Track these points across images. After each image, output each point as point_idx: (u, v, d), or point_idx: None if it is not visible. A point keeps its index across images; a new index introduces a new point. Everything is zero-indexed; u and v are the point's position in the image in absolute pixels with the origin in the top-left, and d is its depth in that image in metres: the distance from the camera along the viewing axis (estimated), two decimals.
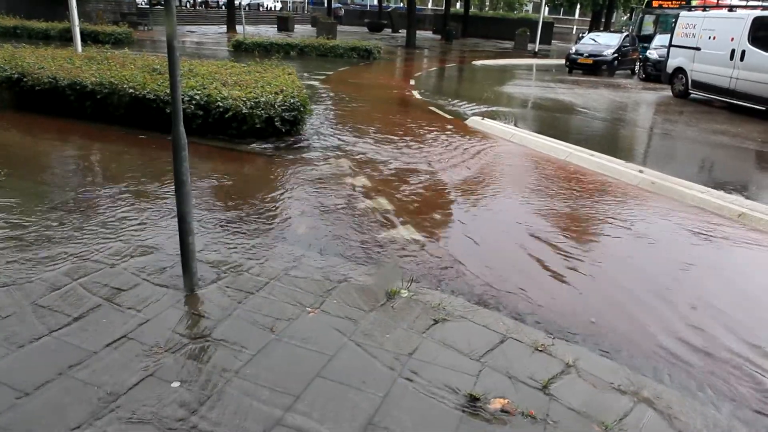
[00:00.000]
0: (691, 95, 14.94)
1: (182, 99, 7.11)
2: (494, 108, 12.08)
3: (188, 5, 45.56)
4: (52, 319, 3.05)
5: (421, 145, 8.10)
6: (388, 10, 48.09)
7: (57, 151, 7.04)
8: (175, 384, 2.61)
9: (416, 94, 13.60)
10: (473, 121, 10.06)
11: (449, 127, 9.62)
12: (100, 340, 2.89)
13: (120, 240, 4.16)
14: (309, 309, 3.33)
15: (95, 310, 3.18)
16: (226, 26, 30.88)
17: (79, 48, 11.30)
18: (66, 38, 17.64)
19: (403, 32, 33.91)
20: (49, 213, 4.64)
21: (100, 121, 7.86)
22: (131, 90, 7.63)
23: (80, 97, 7.91)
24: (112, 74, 8.16)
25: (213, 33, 29.65)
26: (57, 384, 2.56)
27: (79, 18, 12.39)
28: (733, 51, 12.95)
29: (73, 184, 5.62)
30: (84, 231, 4.30)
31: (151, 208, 4.91)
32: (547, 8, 37.83)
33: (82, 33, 12.06)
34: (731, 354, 3.35)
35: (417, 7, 34.82)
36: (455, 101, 12.72)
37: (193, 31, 29.81)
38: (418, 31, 31.76)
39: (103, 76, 8.02)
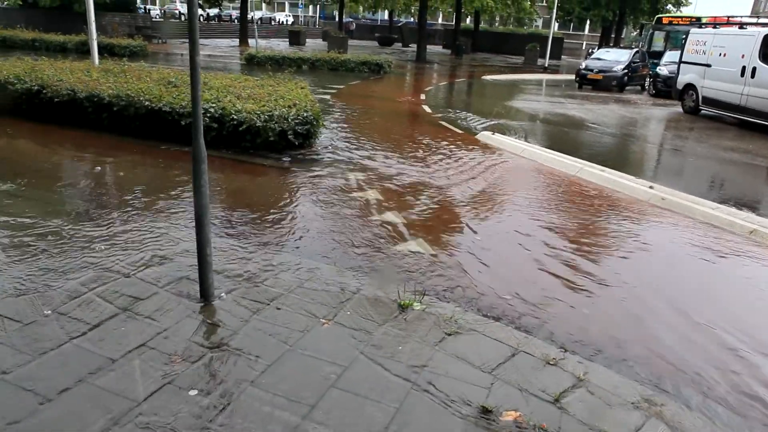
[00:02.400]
0: (702, 111, 14.95)
1: None
2: (504, 122, 12.15)
3: (201, 18, 46.24)
4: (72, 327, 3.11)
5: (432, 160, 8.17)
6: (399, 24, 48.58)
7: (74, 162, 7.17)
8: (193, 392, 2.66)
9: (427, 108, 13.70)
10: (483, 136, 10.13)
11: (460, 141, 9.69)
12: (118, 348, 2.95)
13: (138, 250, 4.23)
14: (323, 320, 3.38)
15: (113, 318, 3.24)
16: (238, 39, 31.30)
17: (96, 61, 11.51)
18: (82, 51, 17.99)
19: (413, 47, 34.24)
20: (69, 222, 4.73)
21: (117, 132, 8.01)
22: (147, 102, 7.78)
23: (97, 109, 8.07)
24: (128, 87, 8.32)
25: (225, 46, 30.06)
26: (77, 391, 2.62)
27: (96, 31, 12.64)
28: (744, 68, 12.98)
29: (90, 195, 5.72)
30: (100, 241, 4.38)
31: (167, 219, 5.00)
32: (556, 24, 38.06)
33: (98, 46, 12.30)
34: (742, 368, 3.36)
35: (427, 21, 35.13)
36: (465, 116, 12.80)
37: (206, 45, 30.20)
38: (428, 46, 32.03)
39: (120, 89, 8.18)
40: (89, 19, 11.44)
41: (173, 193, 5.78)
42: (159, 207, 5.34)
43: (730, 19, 15.91)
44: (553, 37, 31.97)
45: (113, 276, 3.75)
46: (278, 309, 3.47)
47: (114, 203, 5.42)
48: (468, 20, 45.55)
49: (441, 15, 53.34)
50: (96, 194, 5.79)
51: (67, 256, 4.04)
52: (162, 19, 37.18)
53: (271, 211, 5.57)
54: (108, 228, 4.68)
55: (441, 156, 8.45)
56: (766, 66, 12.42)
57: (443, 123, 11.54)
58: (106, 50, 17.05)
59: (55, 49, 20.46)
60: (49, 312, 3.25)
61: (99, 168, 5.71)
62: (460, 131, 10.72)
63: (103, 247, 3.80)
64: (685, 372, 3.31)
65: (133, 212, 5.13)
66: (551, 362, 3.14)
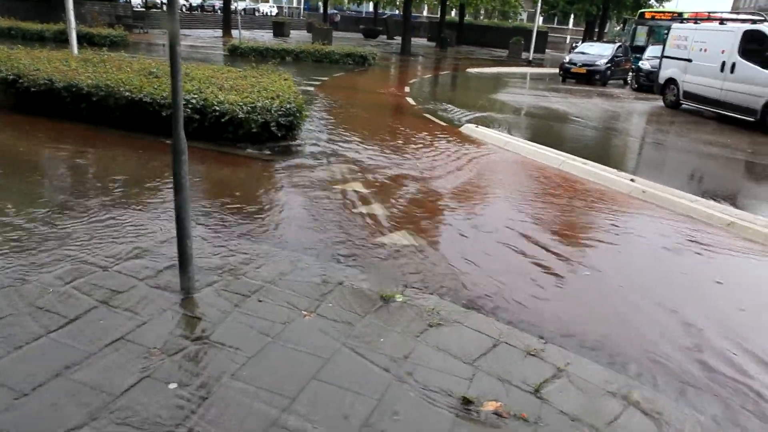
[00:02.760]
0: (683, 106, 15.13)
1: None
2: (488, 115, 12.18)
3: (184, 9, 45.58)
4: (50, 320, 3.06)
5: (416, 152, 8.17)
6: (384, 16, 48.38)
7: (52, 153, 7.03)
8: (173, 385, 2.64)
9: (411, 100, 13.68)
10: (467, 129, 10.15)
11: (443, 134, 9.70)
12: (97, 342, 2.91)
13: (116, 242, 4.17)
14: (305, 312, 3.36)
15: (92, 311, 3.19)
16: (221, 30, 30.93)
17: (75, 50, 11.29)
18: (61, 40, 17.62)
19: (398, 39, 34.12)
20: (44, 215, 4.65)
21: (96, 123, 7.87)
22: (127, 93, 7.65)
23: (76, 99, 7.92)
24: (108, 77, 8.18)
25: (208, 37, 29.68)
26: (54, 385, 2.58)
27: (75, 20, 12.40)
28: (723, 63, 13.15)
29: (68, 186, 5.63)
30: (80, 233, 4.31)
31: (147, 211, 4.93)
32: (541, 17, 38.16)
33: (77, 35, 12.06)
34: (720, 359, 3.41)
35: (412, 14, 35.02)
36: (449, 108, 12.81)
37: (189, 35, 29.80)
38: (413, 38, 31.97)
39: (99, 79, 8.04)
40: (67, 8, 11.23)
41: (153, 184, 5.70)
42: (139, 199, 5.26)
43: (710, 14, 16.08)
44: (537, 31, 32.09)
45: (91, 269, 3.70)
46: (260, 301, 3.45)
47: (92, 195, 5.33)
48: (453, 13, 45.49)
49: (426, 7, 53.18)
50: (74, 186, 5.69)
51: (44, 249, 3.97)
52: (144, 9, 36.53)
53: (253, 202, 5.52)
54: (86, 220, 4.60)
55: (424, 148, 8.45)
56: (744, 62, 12.59)
57: (427, 115, 11.53)
58: (85, 40, 16.71)
59: (33, 38, 20.02)
60: (25, 305, 3.19)
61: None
62: (444, 124, 10.73)
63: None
64: (661, 360, 3.35)
65: (112, 204, 5.05)
66: (532, 353, 3.16)
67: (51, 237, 4.19)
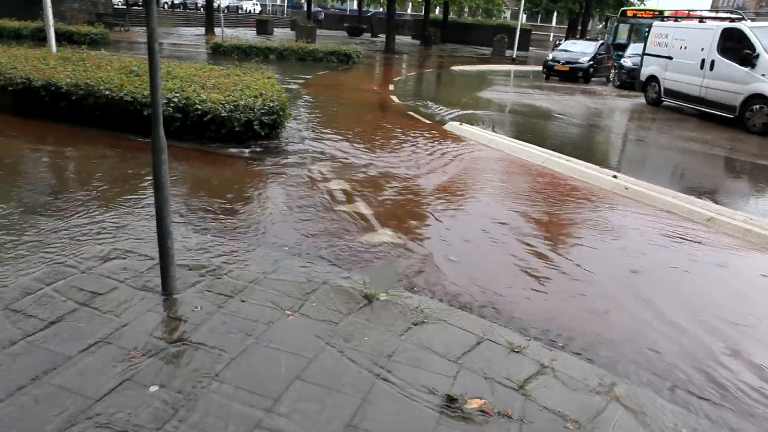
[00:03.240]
0: (664, 103, 15.31)
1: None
2: (472, 113, 12.21)
3: (166, 6, 45.07)
4: (27, 324, 3.01)
5: (400, 150, 8.16)
6: (368, 14, 48.25)
7: (30, 153, 6.91)
8: (154, 388, 2.60)
9: (395, 98, 13.67)
10: (451, 126, 10.17)
11: (428, 131, 9.70)
12: (75, 345, 2.86)
13: (96, 243, 4.11)
14: (288, 312, 3.34)
15: (71, 314, 3.14)
16: (204, 28, 30.64)
17: (54, 48, 11.11)
18: (39, 38, 17.34)
19: (382, 37, 34.11)
20: (21, 216, 4.56)
21: (76, 122, 7.75)
22: (108, 92, 7.54)
23: (55, 98, 7.79)
24: (87, 75, 8.05)
25: (191, 35, 29.39)
26: (31, 390, 2.53)
27: (54, 17, 12.20)
28: (703, 60, 13.32)
29: (47, 187, 5.53)
30: (59, 234, 4.24)
31: (128, 211, 4.87)
32: (524, 15, 38.37)
33: (56, 33, 11.86)
34: (702, 352, 3.46)
35: (396, 12, 35.00)
36: (434, 106, 12.82)
37: (171, 33, 29.50)
38: (397, 36, 31.95)
39: (79, 78, 7.91)
40: (45, 5, 11.03)
41: (135, 184, 5.63)
42: (120, 199, 5.19)
43: (690, 12, 16.32)
44: (521, 29, 32.26)
45: (71, 271, 3.64)
46: (243, 301, 3.42)
47: (72, 195, 5.24)
48: (437, 11, 45.54)
49: (410, 5, 53.21)
50: (53, 186, 5.60)
51: (23, 251, 3.89)
52: (125, 6, 36.02)
53: (236, 202, 5.48)
54: (65, 221, 4.53)
55: (409, 146, 8.45)
56: (723, 59, 12.77)
57: (411, 113, 11.53)
58: (64, 37, 16.42)
59: (9, 36, 19.62)
60: (1, 308, 3.13)
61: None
62: (429, 121, 10.73)
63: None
64: (644, 355, 3.39)
65: (92, 204, 4.98)
66: (516, 350, 3.17)
67: (29, 239, 4.12)
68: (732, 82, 12.41)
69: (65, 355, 2.77)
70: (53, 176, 6.06)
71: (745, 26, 12.64)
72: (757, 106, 11.73)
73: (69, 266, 3.70)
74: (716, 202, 6.60)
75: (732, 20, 13.91)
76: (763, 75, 11.63)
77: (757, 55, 11.76)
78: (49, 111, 7.87)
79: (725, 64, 12.67)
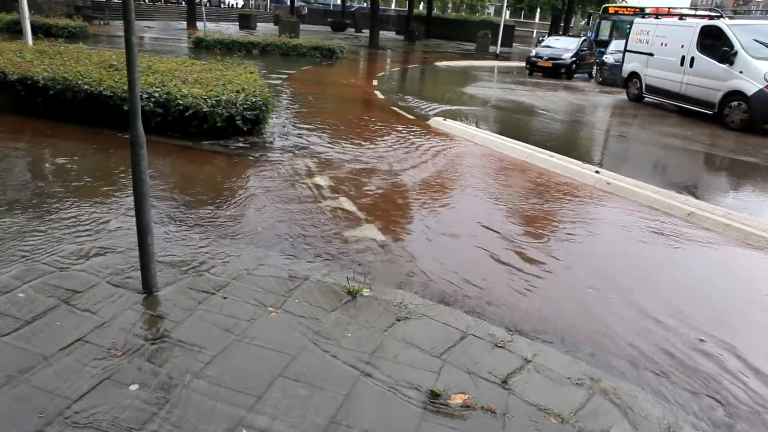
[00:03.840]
0: (645, 99, 15.48)
1: (141, 96, 6.96)
2: (456, 108, 12.23)
3: (147, 0, 44.39)
4: (2, 323, 2.94)
5: (384, 145, 8.14)
6: (352, 9, 48.07)
7: (5, 149, 6.76)
8: (134, 387, 2.56)
9: (379, 94, 13.63)
10: (435, 122, 10.17)
11: (411, 127, 9.69)
12: (53, 344, 2.80)
13: (75, 241, 4.04)
14: (270, 309, 3.31)
15: (49, 312, 3.08)
16: (186, 23, 30.25)
17: (30, 41, 10.89)
18: (15, 30, 16.94)
19: (366, 32, 33.97)
20: None
21: (54, 118, 7.59)
22: (86, 86, 7.40)
23: (31, 92, 7.63)
24: (65, 69, 7.89)
25: (172, 29, 29.02)
26: (7, 390, 2.47)
27: (30, 10, 11.94)
28: (683, 57, 13.48)
29: (24, 184, 5.42)
30: (36, 232, 4.15)
31: (107, 208, 4.79)
32: (508, 11, 38.52)
33: (33, 26, 11.62)
34: (682, 345, 3.50)
35: (380, 7, 34.88)
36: (418, 102, 12.81)
37: (152, 27, 29.10)
38: (381, 32, 31.89)
39: (56, 72, 7.75)
40: None
41: (115, 180, 5.54)
42: (99, 195, 5.10)
43: (671, 10, 16.49)
44: (504, 25, 32.37)
45: (49, 269, 3.56)
46: (224, 298, 3.38)
47: (50, 192, 5.14)
48: (421, 6, 45.52)
49: (394, 1, 53.11)
50: (30, 183, 5.48)
51: (0, 249, 3.81)
52: (104, 0, 35.42)
53: (218, 198, 5.42)
54: (43, 218, 4.44)
55: (392, 142, 8.43)
56: (703, 56, 12.94)
57: (395, 109, 11.51)
58: (41, 30, 16.06)
59: None
60: None
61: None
62: (412, 117, 10.72)
63: None
64: (625, 348, 3.42)
65: (70, 201, 4.88)
66: (500, 344, 3.18)
67: (5, 236, 4.03)
68: (711, 78, 12.59)
69: (42, 355, 2.72)
70: (30, 173, 5.93)
71: (723, 24, 12.81)
72: (735, 103, 11.91)
73: (46, 264, 3.62)
74: (696, 197, 6.69)
75: (711, 18, 14.08)
76: (741, 72, 11.80)
77: (735, 53, 11.93)
78: (25, 106, 7.70)
79: (704, 61, 12.84)
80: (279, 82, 13.82)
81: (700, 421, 2.84)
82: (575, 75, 21.79)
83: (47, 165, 6.34)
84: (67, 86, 7.47)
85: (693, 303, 4.13)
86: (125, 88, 7.22)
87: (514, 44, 41.08)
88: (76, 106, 7.51)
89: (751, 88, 11.50)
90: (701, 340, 3.60)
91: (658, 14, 16.18)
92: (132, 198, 3.32)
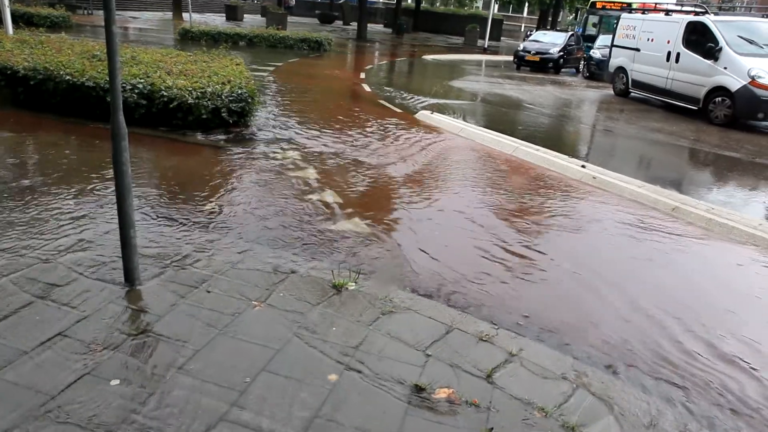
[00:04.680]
0: (631, 94, 15.56)
1: (124, 87, 6.90)
2: (443, 102, 12.21)
3: None
4: None
5: (370, 138, 8.11)
6: (340, 2, 47.70)
7: None
8: (115, 382, 2.53)
9: (366, 87, 13.57)
10: (422, 115, 10.15)
11: (398, 120, 9.66)
12: (32, 339, 2.75)
13: (56, 233, 3.97)
14: (255, 302, 3.29)
15: (27, 307, 3.02)
16: (171, 13, 29.85)
17: (10, 30, 10.67)
18: None
19: (354, 25, 33.80)
20: None
21: (35, 109, 7.47)
22: (68, 77, 7.28)
23: (11, 82, 7.48)
24: (47, 59, 7.75)
25: (157, 20, 28.63)
26: None
27: None
28: (669, 53, 13.56)
29: (4, 176, 5.32)
30: (15, 225, 4.08)
31: (89, 201, 4.72)
32: (496, 5, 38.50)
33: (13, 14, 11.39)
34: (667, 339, 3.53)
35: (368, 0, 34.70)
36: (405, 95, 12.78)
37: (137, 17, 28.69)
38: (369, 24, 31.71)
39: (37, 61, 7.61)
40: None
41: (97, 172, 5.45)
42: (80, 188, 5.02)
43: (657, 5, 16.57)
44: (492, 19, 32.33)
45: (29, 262, 3.50)
46: (208, 292, 3.35)
47: (30, 185, 5.05)
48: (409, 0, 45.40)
49: None
50: (9, 175, 5.38)
51: None
52: None
53: (203, 190, 5.36)
54: (23, 210, 4.36)
55: (379, 135, 8.40)
56: (688, 52, 13.02)
57: (382, 102, 11.47)
58: (22, 19, 15.78)
59: None
60: None
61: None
62: (400, 110, 10.69)
63: None
64: (611, 343, 3.44)
65: (50, 194, 4.80)
66: (484, 338, 3.19)
67: None
68: (696, 74, 12.68)
69: (20, 350, 2.67)
70: (10, 165, 5.82)
71: (708, 20, 12.89)
72: (720, 99, 12.01)
73: (26, 257, 3.56)
74: (681, 192, 6.74)
75: (696, 14, 14.18)
76: (725, 68, 11.90)
77: (720, 49, 12.02)
78: (5, 97, 7.55)
79: (690, 57, 12.93)
80: (266, 74, 13.71)
81: (682, 415, 2.86)
82: (562, 70, 21.86)
83: (28, 157, 6.23)
84: (49, 76, 7.34)
85: (675, 297, 4.17)
86: (108, 78, 7.11)
87: (502, 38, 41.09)
88: (57, 97, 7.38)
89: (735, 84, 11.60)
90: (683, 332, 3.63)
91: (644, 10, 16.26)
92: (114, 190, 3.26)
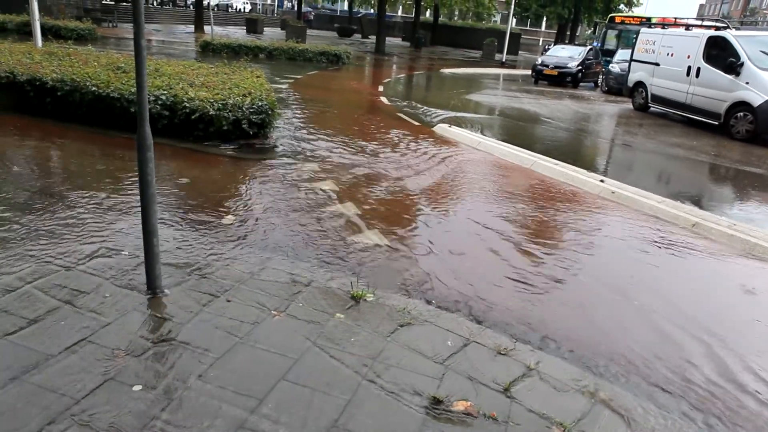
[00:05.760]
0: (651, 108, 15.46)
1: (148, 99, 7.03)
2: (461, 115, 12.25)
3: (155, 3, 44.70)
4: (8, 322, 2.96)
5: (388, 151, 8.16)
6: (359, 15, 48.25)
7: (14, 150, 6.80)
8: (137, 388, 2.57)
9: (385, 100, 13.67)
10: (440, 129, 10.19)
11: (416, 133, 9.71)
12: (58, 344, 2.82)
13: (81, 241, 4.06)
14: (274, 312, 3.32)
15: (53, 312, 3.09)
16: (194, 26, 30.44)
17: (39, 43, 10.98)
18: (24, 32, 17.09)
19: (372, 38, 34.13)
20: (3, 213, 4.49)
21: (62, 119, 7.65)
22: (94, 88, 7.46)
23: (40, 93, 7.69)
24: (74, 71, 7.95)
25: (180, 32, 29.18)
26: (11, 389, 2.49)
27: (40, 12, 12.05)
28: (689, 68, 13.48)
29: (31, 184, 5.45)
30: (43, 232, 4.18)
31: (113, 209, 4.81)
32: (514, 20, 38.62)
33: (42, 27, 11.72)
34: (689, 357, 3.49)
35: (387, 13, 35.03)
36: (423, 108, 12.84)
37: (159, 30, 29.28)
38: (387, 38, 31.99)
39: (65, 73, 7.81)
40: None
41: (121, 182, 5.57)
42: (106, 197, 5.13)
43: (677, 20, 16.49)
44: (510, 33, 32.47)
45: (55, 269, 3.58)
46: (228, 301, 3.39)
47: (58, 193, 5.18)
48: (428, 13, 45.67)
49: (401, 7, 53.22)
50: (37, 183, 5.52)
51: (5, 248, 3.83)
52: (113, 2, 35.65)
53: (224, 201, 5.44)
54: (50, 218, 4.47)
55: (397, 148, 8.45)
56: (709, 66, 12.93)
57: (400, 115, 11.54)
58: (50, 32, 16.23)
59: None
60: None
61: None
62: (417, 123, 10.75)
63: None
64: (630, 358, 3.41)
65: (77, 202, 4.91)
66: (502, 352, 3.18)
67: (12, 236, 4.05)
68: (717, 89, 12.57)
69: (47, 354, 2.73)
70: (38, 173, 5.97)
71: (730, 35, 12.81)
72: (741, 114, 11.89)
73: (52, 264, 3.64)
74: (701, 208, 6.67)
75: (717, 29, 14.09)
76: (747, 83, 11.79)
77: (742, 63, 11.92)
78: (34, 107, 7.76)
79: (711, 72, 12.83)
80: (285, 86, 13.89)
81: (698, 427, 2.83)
82: (581, 84, 21.81)
83: (55, 165, 6.38)
84: (75, 87, 7.53)
85: (696, 313, 4.12)
86: (132, 90, 7.27)
87: (520, 52, 41.15)
88: (83, 108, 7.56)
89: (757, 99, 11.48)
90: (704, 350, 3.59)
91: (664, 24, 16.18)
92: (138, 199, 3.34)
